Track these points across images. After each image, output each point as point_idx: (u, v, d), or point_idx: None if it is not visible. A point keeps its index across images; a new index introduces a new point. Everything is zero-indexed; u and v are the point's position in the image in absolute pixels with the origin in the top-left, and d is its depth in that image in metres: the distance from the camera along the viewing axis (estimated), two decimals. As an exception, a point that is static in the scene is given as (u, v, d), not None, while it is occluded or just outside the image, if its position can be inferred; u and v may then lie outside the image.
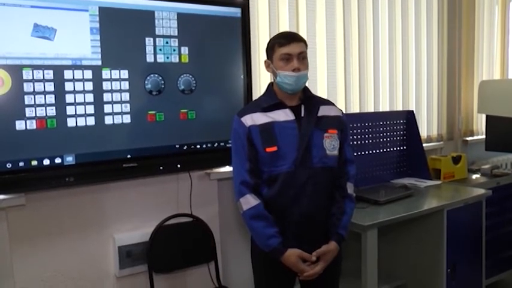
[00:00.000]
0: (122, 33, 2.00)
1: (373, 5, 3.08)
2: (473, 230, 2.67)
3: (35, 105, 1.82)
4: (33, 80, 1.81)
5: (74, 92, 1.90)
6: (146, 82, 2.08)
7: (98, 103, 1.96)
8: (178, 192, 2.31)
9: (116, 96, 2.00)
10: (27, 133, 1.81)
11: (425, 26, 3.43)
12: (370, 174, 2.93)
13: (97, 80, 1.95)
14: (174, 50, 2.14)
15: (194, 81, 2.20)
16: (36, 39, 1.81)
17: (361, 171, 2.79)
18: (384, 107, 3.20)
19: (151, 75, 2.09)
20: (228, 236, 2.48)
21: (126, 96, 2.02)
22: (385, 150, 3.02)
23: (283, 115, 1.79)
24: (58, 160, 1.89)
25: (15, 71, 1.77)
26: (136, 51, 2.05)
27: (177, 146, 2.18)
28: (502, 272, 3.26)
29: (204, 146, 2.25)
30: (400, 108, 3.27)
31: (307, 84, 1.87)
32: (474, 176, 3.31)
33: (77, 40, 1.90)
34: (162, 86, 2.12)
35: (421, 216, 2.44)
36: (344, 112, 2.02)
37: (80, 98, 1.91)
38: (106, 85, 1.97)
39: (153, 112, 2.10)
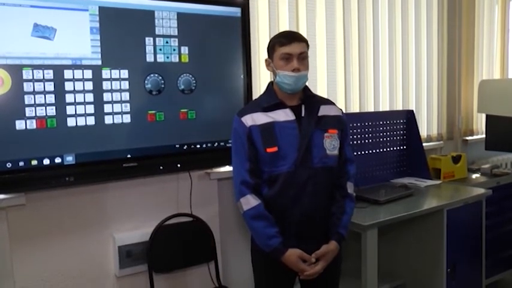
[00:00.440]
0: (122, 33, 2.00)
1: (373, 4, 3.08)
2: (473, 230, 2.67)
3: (35, 105, 1.81)
4: (33, 80, 1.80)
5: (74, 91, 1.90)
6: (146, 82, 2.08)
7: (98, 103, 1.95)
8: (178, 192, 2.31)
9: (116, 96, 2.00)
10: (27, 133, 1.81)
11: (425, 25, 3.43)
12: (370, 173, 2.94)
13: (97, 79, 1.95)
14: (174, 50, 2.14)
15: (194, 81, 2.20)
16: (36, 39, 1.81)
17: (361, 171, 2.79)
18: (384, 106, 3.20)
19: (151, 75, 2.09)
20: (228, 235, 2.48)
21: (126, 96, 2.02)
22: (385, 149, 3.02)
23: (284, 115, 1.78)
24: (58, 160, 1.89)
25: (15, 70, 1.77)
26: (136, 51, 2.05)
27: (177, 146, 2.18)
28: (502, 271, 3.26)
29: (204, 145, 2.25)
30: (400, 107, 3.27)
31: (307, 84, 1.86)
32: (474, 176, 3.31)
33: (77, 40, 1.90)
34: (162, 86, 2.12)
35: (421, 216, 2.44)
36: (344, 112, 2.02)
37: (80, 97, 1.91)
38: (106, 85, 1.97)
39: (153, 112, 2.10)
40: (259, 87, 2.48)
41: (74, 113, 1.90)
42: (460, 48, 3.71)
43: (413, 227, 2.57)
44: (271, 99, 1.81)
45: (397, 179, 3.01)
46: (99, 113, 1.96)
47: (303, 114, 1.80)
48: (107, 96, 1.97)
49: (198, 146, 2.24)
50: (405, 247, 2.67)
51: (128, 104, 2.03)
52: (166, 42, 2.11)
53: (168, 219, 2.22)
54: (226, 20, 2.28)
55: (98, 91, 1.95)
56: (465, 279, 2.64)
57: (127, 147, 2.05)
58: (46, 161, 1.86)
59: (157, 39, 2.08)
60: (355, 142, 2.84)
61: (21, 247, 1.90)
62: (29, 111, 1.80)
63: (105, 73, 1.97)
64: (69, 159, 1.91)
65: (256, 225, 1.75)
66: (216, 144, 2.28)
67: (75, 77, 1.90)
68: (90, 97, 1.93)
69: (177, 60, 2.15)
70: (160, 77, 2.11)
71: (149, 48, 2.07)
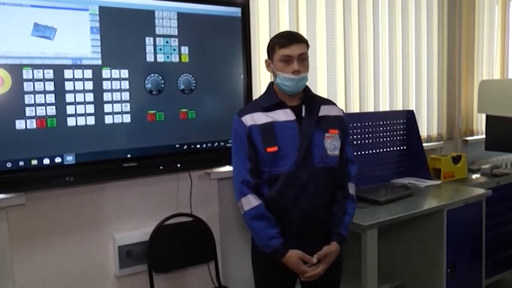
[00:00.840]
0: (122, 33, 2.00)
1: (373, 4, 3.08)
2: (473, 230, 2.67)
3: (35, 105, 1.81)
4: (33, 80, 1.80)
5: (74, 91, 1.90)
6: (146, 82, 2.07)
7: (98, 102, 1.95)
8: (178, 191, 2.31)
9: (116, 96, 2.00)
10: (27, 132, 1.81)
11: (425, 25, 3.43)
12: (370, 174, 2.93)
13: (97, 79, 1.95)
14: (174, 50, 2.14)
15: (194, 81, 2.20)
16: (36, 39, 1.81)
17: (361, 171, 2.79)
18: (384, 106, 3.20)
19: (152, 75, 2.09)
20: (228, 235, 2.48)
21: (126, 95, 2.02)
22: (385, 150, 3.02)
23: (284, 115, 1.78)
24: (58, 159, 1.89)
25: (15, 70, 1.77)
26: (137, 50, 2.05)
27: (177, 146, 2.18)
28: (502, 271, 3.26)
29: (204, 145, 2.25)
30: (400, 108, 3.27)
31: (307, 84, 1.86)
32: (474, 176, 3.31)
33: (77, 39, 1.90)
34: (162, 86, 2.12)
35: (421, 216, 2.44)
36: (344, 112, 2.02)
37: (80, 97, 1.91)
38: (106, 84, 1.97)
39: (153, 112, 2.10)
40: (259, 87, 2.48)
41: (74, 112, 1.90)
42: (460, 49, 3.71)
43: (413, 227, 2.56)
44: (272, 99, 1.81)
45: (397, 179, 3.01)
46: (99, 113, 1.96)
47: (303, 114, 1.80)
48: (107, 96, 1.97)
49: (198, 146, 2.24)
50: (405, 247, 2.67)
51: (128, 104, 2.03)
52: (167, 42, 2.11)
53: (168, 219, 2.22)
54: (227, 20, 2.28)
55: (98, 91, 1.95)
56: (465, 279, 2.64)
57: (127, 147, 2.05)
58: (46, 161, 1.86)
59: (157, 39, 2.08)
60: (355, 142, 2.84)
61: (21, 247, 1.90)
62: (29, 111, 1.80)
63: (105, 73, 1.97)
64: (69, 159, 1.91)
65: (257, 226, 1.74)
66: (216, 144, 2.28)
67: (75, 77, 1.90)
68: (90, 97, 1.93)
69: (177, 60, 2.15)
70: (160, 77, 2.11)
71: (149, 48, 2.07)
